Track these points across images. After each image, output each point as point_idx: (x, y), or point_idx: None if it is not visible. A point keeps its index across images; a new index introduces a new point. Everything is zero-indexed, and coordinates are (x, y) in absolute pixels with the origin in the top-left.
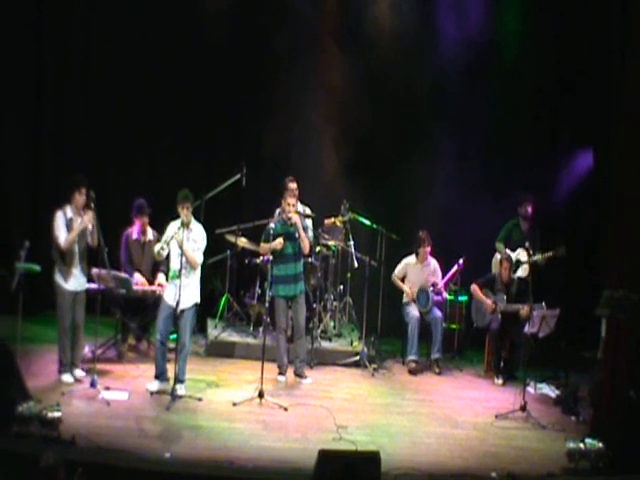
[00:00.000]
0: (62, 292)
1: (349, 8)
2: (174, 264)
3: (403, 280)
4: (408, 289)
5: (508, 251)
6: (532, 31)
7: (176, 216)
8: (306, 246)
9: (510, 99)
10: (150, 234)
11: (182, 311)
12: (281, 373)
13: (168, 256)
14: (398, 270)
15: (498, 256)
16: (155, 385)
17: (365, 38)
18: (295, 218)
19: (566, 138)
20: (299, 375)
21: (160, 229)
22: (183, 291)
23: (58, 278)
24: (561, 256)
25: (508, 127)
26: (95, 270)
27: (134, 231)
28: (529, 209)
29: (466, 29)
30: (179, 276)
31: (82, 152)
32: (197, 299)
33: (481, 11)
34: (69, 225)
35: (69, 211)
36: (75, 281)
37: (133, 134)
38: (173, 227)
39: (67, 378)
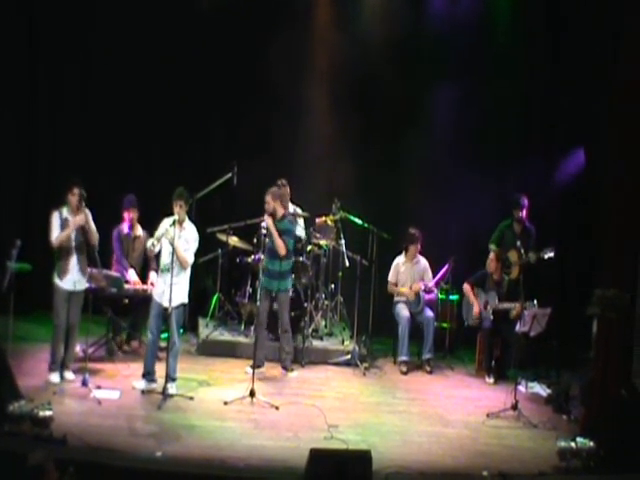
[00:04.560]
0: (57, 290)
1: None
2: (164, 259)
3: (397, 284)
4: (405, 289)
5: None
6: (523, 31)
7: (171, 213)
8: (279, 248)
9: (503, 97)
10: (139, 230)
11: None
12: (251, 366)
13: (159, 252)
14: (391, 275)
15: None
16: (142, 384)
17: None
18: (268, 222)
19: (559, 137)
20: (284, 368)
21: (151, 228)
22: (172, 289)
23: (54, 276)
24: (549, 258)
25: (501, 126)
26: (87, 269)
27: (124, 226)
28: (522, 212)
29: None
30: (169, 270)
31: (75, 151)
32: (184, 299)
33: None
34: (64, 225)
35: (65, 212)
36: (71, 279)
37: (126, 133)
38: (166, 223)
39: (54, 378)
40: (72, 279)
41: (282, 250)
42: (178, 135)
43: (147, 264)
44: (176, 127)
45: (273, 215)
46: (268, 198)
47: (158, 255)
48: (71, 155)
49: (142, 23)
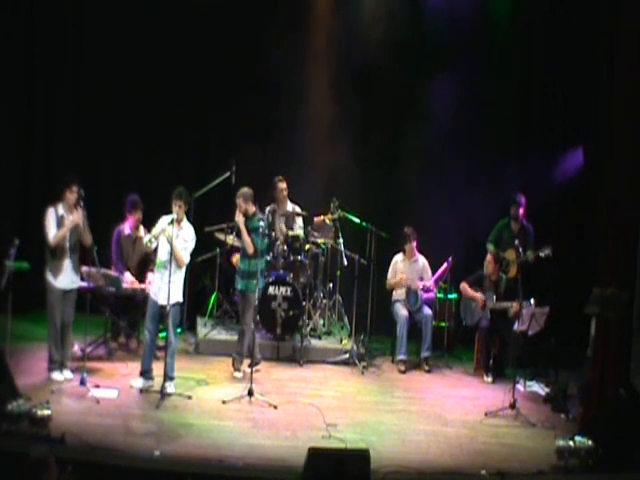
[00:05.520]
0: (51, 289)
1: None
2: (161, 256)
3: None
4: (401, 277)
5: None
6: (521, 29)
7: (169, 212)
8: (247, 246)
9: (502, 95)
10: (142, 231)
11: (166, 307)
12: (249, 365)
13: (156, 250)
14: (390, 273)
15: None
16: (139, 382)
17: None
18: (240, 220)
19: (558, 136)
20: (234, 366)
21: (150, 227)
22: (169, 287)
23: (48, 275)
24: (547, 256)
25: (500, 125)
26: (85, 268)
27: (126, 227)
28: (520, 211)
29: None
30: (165, 267)
31: (72, 150)
32: (179, 298)
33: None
34: (60, 222)
35: (61, 209)
36: (65, 279)
37: (124, 131)
38: (164, 221)
39: (56, 376)
40: (67, 278)
41: (250, 248)
42: (176, 134)
43: (147, 265)
44: (174, 126)
45: (245, 215)
46: (240, 201)
47: (156, 253)
48: (69, 154)
49: (139, 16)
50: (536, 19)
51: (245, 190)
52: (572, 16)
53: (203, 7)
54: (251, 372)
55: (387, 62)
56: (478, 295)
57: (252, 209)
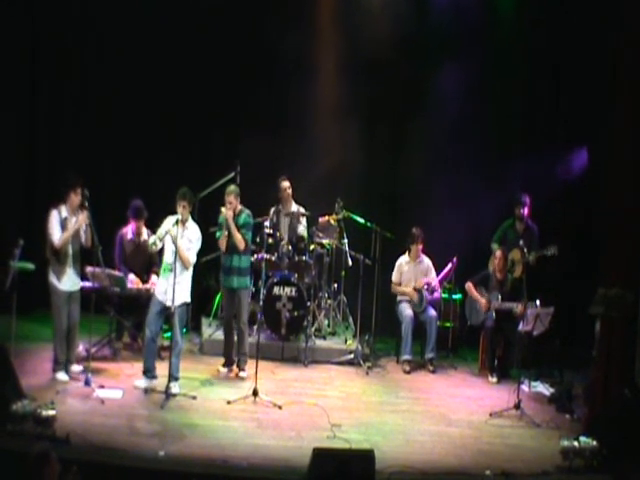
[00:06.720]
0: (56, 291)
1: None
2: (167, 258)
3: (401, 284)
4: (408, 289)
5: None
6: (525, 26)
7: (174, 212)
8: (238, 242)
9: (506, 94)
10: (145, 234)
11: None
12: (224, 365)
13: (161, 252)
14: (395, 276)
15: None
16: (142, 382)
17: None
18: (229, 215)
19: (563, 136)
20: (238, 367)
21: (154, 229)
22: (174, 288)
23: (52, 278)
24: (552, 255)
25: (504, 124)
26: (89, 268)
27: (128, 231)
28: (524, 211)
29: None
30: (171, 270)
31: (76, 151)
32: (187, 299)
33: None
34: (64, 224)
35: (64, 210)
36: (69, 281)
37: (128, 133)
38: (169, 222)
39: (62, 376)
40: (70, 281)
41: (241, 244)
42: (180, 135)
43: (151, 267)
44: (178, 127)
45: (233, 211)
46: (231, 197)
47: (161, 254)
48: (73, 154)
49: (140, 16)
50: (541, 16)
51: (235, 187)
52: (575, 15)
53: (204, 4)
54: (255, 372)
55: (392, 57)
56: (482, 300)
57: (238, 207)
